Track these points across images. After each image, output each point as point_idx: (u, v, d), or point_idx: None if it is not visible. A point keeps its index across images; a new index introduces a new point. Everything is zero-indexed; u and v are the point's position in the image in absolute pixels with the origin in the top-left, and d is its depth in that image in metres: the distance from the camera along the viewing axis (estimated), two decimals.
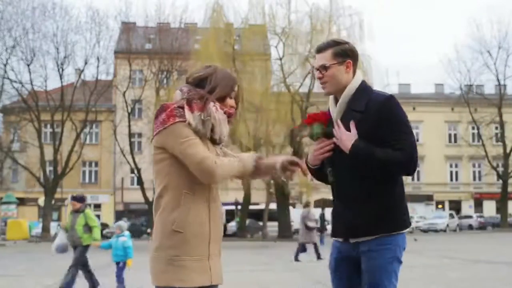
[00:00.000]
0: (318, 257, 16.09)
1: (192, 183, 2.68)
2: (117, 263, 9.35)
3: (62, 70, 39.90)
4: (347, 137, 2.89)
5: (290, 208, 37.49)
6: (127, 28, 42.75)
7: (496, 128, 48.63)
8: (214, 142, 2.77)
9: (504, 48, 48.11)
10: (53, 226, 40.16)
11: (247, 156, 2.77)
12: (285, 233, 34.77)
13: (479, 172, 54.58)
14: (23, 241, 36.19)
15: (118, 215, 49.29)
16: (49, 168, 40.62)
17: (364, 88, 3.02)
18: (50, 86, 41.69)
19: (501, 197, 46.32)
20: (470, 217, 49.59)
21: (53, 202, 40.42)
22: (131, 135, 40.21)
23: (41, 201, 40.69)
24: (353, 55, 3.04)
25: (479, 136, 48.15)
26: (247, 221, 39.05)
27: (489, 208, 53.23)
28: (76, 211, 9.46)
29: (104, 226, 45.33)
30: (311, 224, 16.60)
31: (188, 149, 2.61)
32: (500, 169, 47.73)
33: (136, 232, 37.34)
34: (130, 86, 41.17)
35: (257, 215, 40.37)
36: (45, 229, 38.00)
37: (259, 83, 34.77)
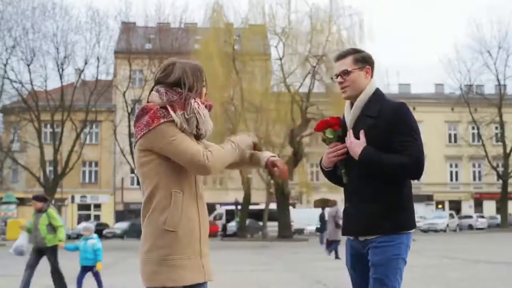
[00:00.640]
0: (330, 252, 17.21)
1: (181, 182, 2.70)
2: (84, 267, 8.99)
3: (62, 70, 39.93)
4: (356, 144, 3.03)
5: (290, 208, 37.47)
6: (127, 28, 42.75)
7: (496, 128, 48.64)
8: (197, 137, 2.79)
9: (504, 48, 48.19)
10: None
11: (245, 142, 2.85)
12: (285, 233, 34.76)
13: (479, 172, 54.59)
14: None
15: (118, 215, 49.37)
16: (49, 168, 40.62)
17: (378, 94, 3.16)
18: (50, 86, 41.75)
19: (501, 197, 46.33)
20: (470, 217, 49.58)
21: (53, 202, 40.39)
22: (131, 135, 40.20)
23: None
24: (371, 62, 3.22)
25: (479, 136, 48.16)
26: (247, 221, 39.05)
27: (489, 208, 53.21)
28: (39, 211, 9.12)
29: (104, 226, 45.41)
30: (340, 221, 17.01)
31: (179, 146, 2.64)
32: (500, 169, 47.73)
33: (136, 233, 37.31)
34: (130, 86, 41.17)
35: (257, 215, 40.36)
36: None
37: (259, 83, 34.78)
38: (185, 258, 2.66)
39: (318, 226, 29.34)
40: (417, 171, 3.02)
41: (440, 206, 54.42)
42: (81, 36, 53.31)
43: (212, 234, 39.27)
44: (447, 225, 45.20)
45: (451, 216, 47.80)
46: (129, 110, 40.48)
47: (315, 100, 34.33)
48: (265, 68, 36.10)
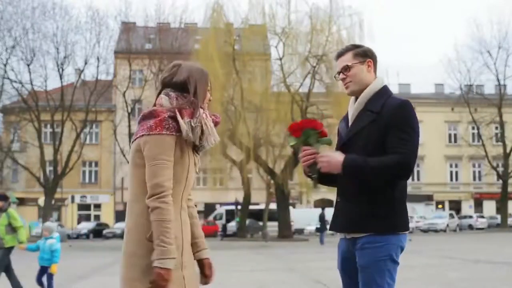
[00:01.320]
0: None
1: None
2: (42, 267, 8.59)
3: (62, 70, 39.96)
4: (334, 159, 2.93)
5: (290, 208, 37.47)
6: (127, 28, 42.77)
7: (496, 128, 48.65)
8: (196, 148, 2.75)
9: (504, 48, 48.19)
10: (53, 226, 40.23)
11: (172, 258, 2.55)
12: (285, 233, 34.76)
13: (479, 172, 54.59)
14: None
15: (118, 215, 49.32)
16: (49, 168, 40.63)
17: (384, 91, 3.08)
18: (50, 86, 41.79)
19: (501, 197, 46.33)
20: (470, 217, 49.60)
21: (53, 202, 40.41)
22: (131, 135, 40.18)
23: (41, 201, 40.70)
24: (373, 56, 3.15)
25: (479, 136, 48.17)
26: (247, 221, 39.04)
27: (489, 208, 53.23)
28: None
29: (104, 226, 45.43)
30: None
31: (158, 167, 2.58)
32: (500, 169, 47.74)
33: None
34: (130, 86, 41.20)
35: (257, 215, 40.36)
36: None
37: (259, 83, 34.75)
38: None
39: (318, 226, 29.37)
40: (404, 173, 2.91)
41: (440, 206, 54.44)
42: (81, 36, 53.71)
43: (212, 234, 39.29)
44: (447, 225, 45.18)
45: (451, 216, 47.79)
46: (129, 110, 40.48)
47: (315, 100, 34.32)
48: (265, 68, 36.06)
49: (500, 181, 47.15)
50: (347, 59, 3.09)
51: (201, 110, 2.71)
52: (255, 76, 35.09)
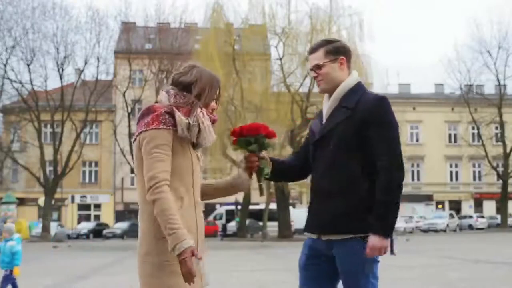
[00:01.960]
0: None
1: (179, 190, 2.67)
2: (6, 271, 8.23)
3: (62, 70, 39.95)
4: (378, 243, 2.83)
5: (290, 208, 37.47)
6: (127, 28, 42.76)
7: (496, 128, 48.64)
8: (195, 146, 2.76)
9: (504, 48, 48.18)
10: (53, 226, 40.24)
11: (184, 240, 2.50)
12: (285, 233, 34.76)
13: (479, 172, 54.58)
14: (23, 241, 36.14)
15: (118, 215, 49.38)
16: (49, 168, 40.62)
17: (359, 87, 3.03)
18: (50, 86, 41.76)
19: (501, 197, 46.32)
20: (470, 217, 49.60)
21: (53, 202, 40.42)
22: (131, 135, 40.18)
23: (41, 201, 40.70)
24: (346, 52, 3.08)
25: (479, 136, 48.16)
26: (247, 221, 39.04)
27: (489, 208, 53.23)
28: None
29: (104, 226, 45.43)
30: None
31: (154, 160, 2.58)
32: (500, 169, 47.74)
33: (136, 233, 37.16)
34: (130, 86, 41.19)
35: (257, 215, 40.37)
36: (45, 229, 37.99)
37: (259, 83, 34.76)
38: None
39: None
40: (402, 175, 2.87)
41: (440, 206, 54.43)
42: (81, 36, 53.65)
43: (212, 234, 39.30)
44: (447, 225, 45.19)
45: (451, 216, 47.79)
46: (129, 110, 40.47)
47: (315, 100, 34.28)
48: (265, 68, 36.08)
49: (500, 181, 47.15)
50: (318, 57, 3.04)
51: (198, 109, 2.71)
52: (255, 76, 35.10)
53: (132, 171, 43.11)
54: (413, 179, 53.38)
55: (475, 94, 48.16)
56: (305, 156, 3.18)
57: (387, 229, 2.84)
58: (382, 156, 2.84)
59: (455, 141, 54.75)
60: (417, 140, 54.24)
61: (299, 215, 42.28)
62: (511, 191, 47.02)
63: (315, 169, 3.07)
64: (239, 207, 40.41)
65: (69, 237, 41.32)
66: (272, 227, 37.12)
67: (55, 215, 46.27)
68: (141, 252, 2.69)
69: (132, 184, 48.45)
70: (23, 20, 39.39)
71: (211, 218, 45.16)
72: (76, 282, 11.12)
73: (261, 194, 3.10)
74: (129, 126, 39.64)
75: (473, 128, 50.99)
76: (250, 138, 2.97)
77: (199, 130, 2.69)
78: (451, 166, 55.58)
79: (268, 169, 3.02)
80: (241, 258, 18.14)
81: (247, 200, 38.03)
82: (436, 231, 44.10)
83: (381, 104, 2.92)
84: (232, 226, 41.72)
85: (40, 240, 36.36)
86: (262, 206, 40.49)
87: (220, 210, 46.21)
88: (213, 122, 2.80)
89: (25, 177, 45.04)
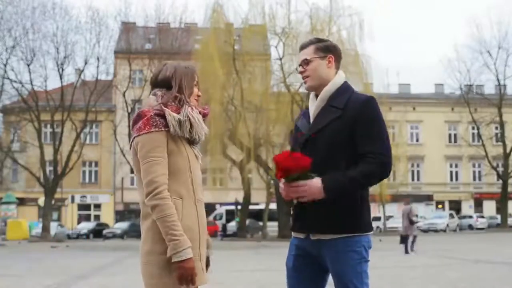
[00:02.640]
0: (411, 248, 18.60)
1: (179, 188, 2.69)
2: None
3: (62, 70, 39.93)
4: (313, 186, 2.82)
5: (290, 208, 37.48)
6: (127, 28, 42.77)
7: (496, 128, 48.64)
8: (192, 142, 2.78)
9: (504, 48, 48.14)
10: (53, 226, 40.24)
11: (187, 247, 2.57)
12: (285, 233, 34.75)
13: (479, 172, 54.59)
14: (24, 241, 36.17)
15: (118, 215, 49.38)
16: (49, 168, 40.63)
17: (346, 87, 3.03)
18: (50, 86, 41.75)
19: (501, 197, 46.32)
20: (470, 217, 49.60)
21: (53, 202, 40.42)
22: (131, 135, 40.04)
23: (41, 201, 40.71)
24: (335, 51, 3.07)
25: (479, 136, 48.16)
26: (247, 221, 39.06)
27: (489, 208, 53.24)
28: None
29: (104, 226, 45.44)
30: (415, 218, 19.31)
31: (150, 164, 2.62)
32: (500, 169, 47.74)
33: (136, 233, 37.32)
34: (130, 86, 41.20)
35: (257, 215, 40.38)
36: (45, 229, 37.99)
37: (259, 83, 34.77)
38: None
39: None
40: (386, 173, 2.87)
41: (440, 206, 54.44)
42: (81, 36, 53.74)
43: (212, 234, 39.31)
44: (447, 225, 45.20)
45: (451, 216, 47.80)
46: (129, 110, 40.49)
47: None
48: (265, 68, 36.09)
49: (500, 181, 47.15)
50: (308, 52, 3.03)
51: (187, 105, 2.73)
52: (255, 76, 35.11)
53: (132, 171, 43.13)
54: (413, 179, 53.40)
55: (475, 94, 48.16)
56: None
57: (332, 190, 2.79)
58: (370, 153, 2.84)
59: (455, 141, 54.76)
60: (417, 140, 54.26)
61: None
62: (511, 191, 47.02)
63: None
64: (239, 207, 40.43)
65: (69, 237, 41.33)
66: (272, 227, 37.13)
67: (55, 215, 46.26)
68: (144, 252, 2.70)
69: (132, 184, 48.47)
70: (23, 20, 39.41)
71: (211, 218, 45.18)
72: (76, 282, 11.12)
73: (292, 214, 3.05)
74: (129, 126, 39.56)
75: (473, 128, 51.00)
76: (296, 174, 2.89)
77: (191, 125, 2.71)
78: (451, 166, 55.59)
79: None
80: (241, 258, 18.14)
81: (247, 200, 38.04)
82: (436, 231, 44.09)
83: (371, 104, 2.92)
84: (232, 226, 41.74)
85: (40, 240, 36.36)
86: (262, 206, 40.51)
87: (220, 210, 46.23)
88: (204, 115, 2.81)
89: (25, 177, 45.05)
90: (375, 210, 44.64)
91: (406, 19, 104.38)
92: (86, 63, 40.50)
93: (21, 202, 44.79)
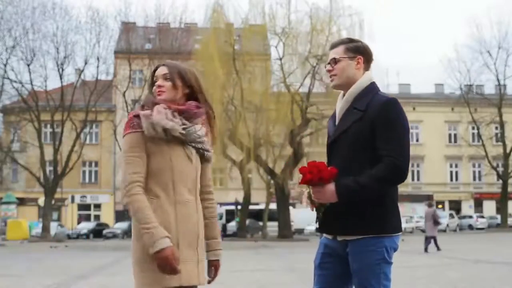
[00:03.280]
0: (438, 247, 19.29)
1: (155, 189, 2.71)
2: None
3: (62, 70, 39.95)
4: (327, 190, 2.87)
5: (290, 208, 37.48)
6: (127, 28, 42.76)
7: (496, 128, 48.63)
8: (183, 142, 2.76)
9: (504, 48, 48.13)
10: (53, 226, 40.24)
11: (160, 237, 2.57)
12: (285, 233, 34.76)
13: (479, 172, 54.60)
14: (25, 241, 36.16)
15: (118, 215, 49.35)
16: (49, 168, 40.63)
17: (371, 88, 3.02)
18: (50, 86, 41.76)
19: (501, 197, 46.32)
20: (470, 217, 49.59)
21: (53, 202, 40.42)
22: None
23: (41, 201, 40.71)
24: (365, 53, 3.07)
25: (479, 136, 48.15)
26: (247, 221, 39.05)
27: (489, 208, 53.23)
28: None
29: (104, 226, 45.45)
30: (440, 220, 20.49)
31: (126, 163, 2.69)
32: (500, 169, 47.73)
33: None
34: (130, 86, 41.19)
35: (257, 215, 40.36)
36: (45, 229, 37.99)
37: (259, 83, 34.77)
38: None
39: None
40: (398, 178, 2.85)
41: (440, 206, 54.36)
42: (81, 36, 53.78)
43: None
44: (447, 225, 45.17)
45: (451, 216, 47.80)
46: (129, 110, 40.45)
47: (315, 100, 34.32)
48: (265, 68, 36.09)
49: (500, 181, 47.14)
50: (338, 52, 3.04)
51: (156, 107, 2.72)
52: (255, 76, 35.11)
53: None
54: (413, 179, 53.39)
55: (475, 94, 48.16)
56: None
57: (343, 194, 2.83)
58: (385, 156, 2.83)
59: (455, 141, 54.76)
60: (417, 140, 54.24)
61: (299, 215, 42.36)
62: (511, 191, 47.02)
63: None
64: (239, 207, 40.41)
65: (69, 237, 41.33)
66: (272, 227, 37.11)
67: (55, 215, 46.26)
68: (137, 259, 2.73)
69: None
70: (23, 20, 39.42)
71: None
72: (76, 282, 11.11)
73: (319, 223, 3.07)
74: None
75: (473, 128, 51.00)
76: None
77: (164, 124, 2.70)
78: (451, 166, 55.60)
79: (328, 203, 2.96)
80: (241, 258, 18.13)
81: (247, 200, 38.03)
82: None
83: (390, 106, 2.90)
84: (232, 226, 41.72)
85: (40, 240, 36.35)
86: (262, 206, 40.50)
87: (220, 210, 46.14)
88: (177, 111, 2.75)
89: (25, 177, 45.05)
90: None
91: (406, 19, 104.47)
92: (86, 63, 40.57)
93: (21, 202, 44.79)
